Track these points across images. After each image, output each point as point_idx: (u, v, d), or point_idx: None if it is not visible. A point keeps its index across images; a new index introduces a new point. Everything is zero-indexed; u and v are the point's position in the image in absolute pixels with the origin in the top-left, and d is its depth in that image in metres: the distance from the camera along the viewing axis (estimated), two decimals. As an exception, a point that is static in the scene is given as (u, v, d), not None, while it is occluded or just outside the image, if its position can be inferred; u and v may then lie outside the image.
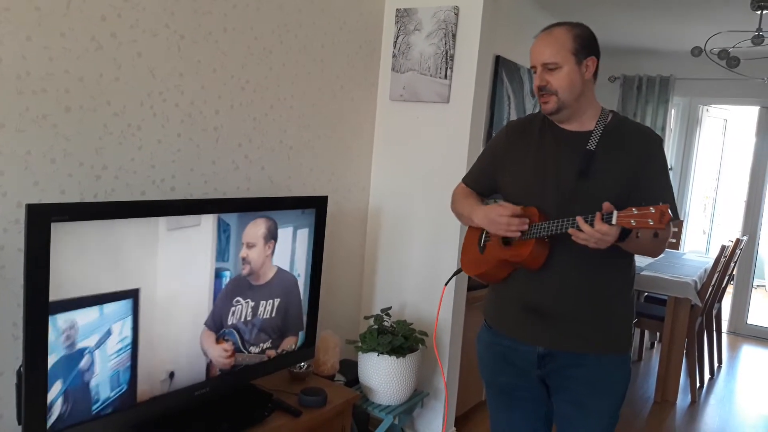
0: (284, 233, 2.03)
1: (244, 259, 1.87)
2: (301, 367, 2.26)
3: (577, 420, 1.65)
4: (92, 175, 1.74)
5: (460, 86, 2.62)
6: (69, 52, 1.64)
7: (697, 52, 4.40)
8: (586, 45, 1.58)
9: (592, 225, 1.42)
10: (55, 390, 1.44)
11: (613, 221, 1.40)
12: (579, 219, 1.45)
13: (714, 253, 5.04)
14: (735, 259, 4.38)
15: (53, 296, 1.42)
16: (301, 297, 2.14)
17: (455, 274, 2.02)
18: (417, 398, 2.56)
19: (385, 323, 2.55)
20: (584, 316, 1.60)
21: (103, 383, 1.55)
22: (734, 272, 4.99)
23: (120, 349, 1.57)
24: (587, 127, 1.62)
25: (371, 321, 2.56)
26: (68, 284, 1.45)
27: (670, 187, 1.61)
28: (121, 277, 1.54)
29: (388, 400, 2.43)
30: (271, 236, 1.96)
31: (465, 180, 1.91)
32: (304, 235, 2.12)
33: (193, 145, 2.02)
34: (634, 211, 1.37)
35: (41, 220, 1.38)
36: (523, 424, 1.76)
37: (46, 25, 1.59)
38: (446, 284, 2.14)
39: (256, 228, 1.90)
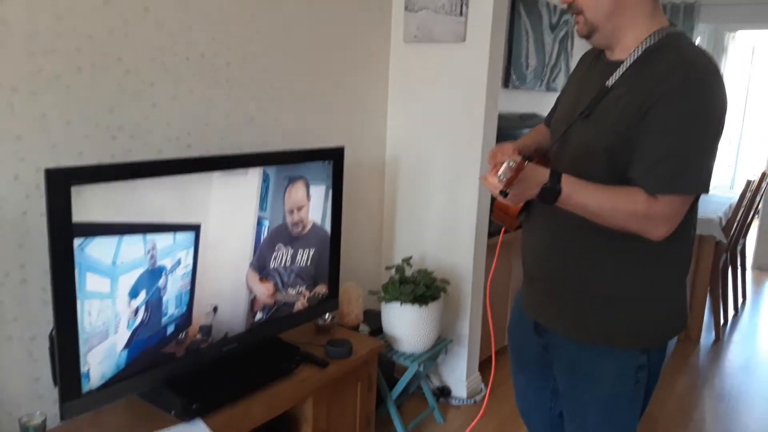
0: (316, 191, 2.10)
1: (296, 221, 2.03)
2: (325, 320, 2.32)
3: (567, 404, 1.50)
4: (108, 136, 1.75)
5: (477, 24, 2.57)
6: (76, 9, 1.63)
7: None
8: None
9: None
10: (140, 298, 1.62)
11: (500, 172, 1.18)
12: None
13: (739, 188, 5.00)
14: (761, 194, 4.36)
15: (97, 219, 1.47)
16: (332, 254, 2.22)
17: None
18: (441, 345, 2.62)
19: (407, 273, 2.59)
20: (561, 290, 1.42)
21: (170, 301, 1.70)
22: (760, 207, 4.97)
23: (184, 274, 1.72)
24: (625, 55, 1.32)
25: (392, 271, 2.60)
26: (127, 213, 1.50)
27: (679, 147, 1.22)
28: (186, 214, 1.69)
29: (412, 348, 2.50)
30: (309, 195, 2.08)
31: (545, 118, 1.72)
32: (323, 189, 2.14)
33: (206, 99, 2.02)
34: (511, 164, 1.18)
35: (61, 185, 1.41)
36: (529, 389, 1.68)
37: (51, -19, 1.57)
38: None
39: (299, 190, 2.03)
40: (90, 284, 1.50)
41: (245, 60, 2.12)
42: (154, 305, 1.66)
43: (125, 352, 1.62)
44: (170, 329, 1.72)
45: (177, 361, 1.77)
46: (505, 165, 1.19)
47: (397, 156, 2.87)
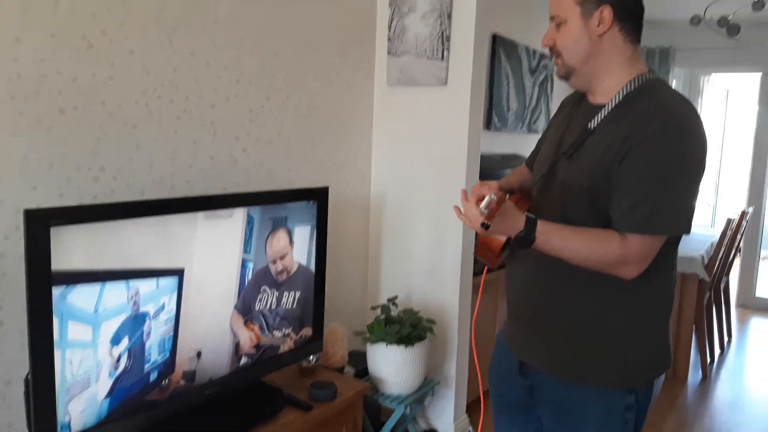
0: (300, 232, 2.09)
1: (279, 269, 2.00)
2: (309, 361, 2.28)
3: None
4: (90, 177, 1.74)
5: (458, 68, 2.61)
6: (60, 52, 1.64)
7: (696, 20, 4.40)
8: None
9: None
10: (123, 345, 1.59)
11: (482, 205, 1.23)
12: (464, 191, 1.31)
13: (720, 226, 5.06)
14: (741, 232, 4.41)
15: (56, 293, 1.44)
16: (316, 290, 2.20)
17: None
18: (427, 387, 2.58)
19: (392, 313, 2.56)
20: (547, 328, 1.41)
21: (153, 347, 1.67)
22: (741, 245, 5.02)
23: (167, 320, 1.69)
24: (607, 99, 1.35)
25: (378, 311, 2.58)
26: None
27: (654, 190, 1.23)
28: (169, 258, 1.67)
29: (399, 390, 2.45)
30: (291, 240, 2.06)
31: (526, 159, 1.74)
32: (308, 230, 2.13)
33: (191, 141, 2.02)
34: (493, 196, 1.23)
35: (40, 225, 1.39)
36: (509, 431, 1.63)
37: (35, 25, 1.58)
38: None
39: (281, 239, 2.01)
40: (72, 333, 1.46)
41: (229, 102, 2.14)
42: (137, 352, 1.62)
43: (107, 401, 1.56)
44: (153, 376, 1.68)
45: (159, 407, 1.72)
46: (487, 198, 1.23)
47: (381, 196, 2.88)
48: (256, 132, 2.25)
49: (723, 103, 6.16)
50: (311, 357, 2.28)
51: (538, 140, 1.72)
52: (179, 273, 1.70)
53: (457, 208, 1.35)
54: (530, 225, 1.29)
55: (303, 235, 2.10)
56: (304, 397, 2.07)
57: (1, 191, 1.55)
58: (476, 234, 1.42)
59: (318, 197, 2.16)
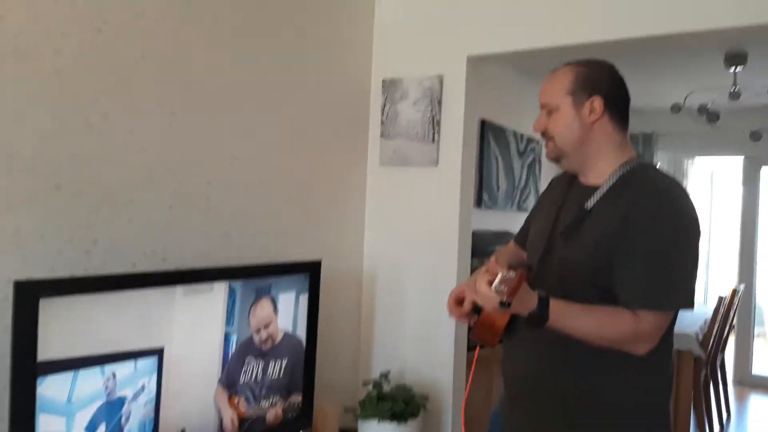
0: (285, 299, 2.02)
1: (263, 338, 1.92)
2: (299, 439, 2.17)
3: None
4: (82, 251, 1.71)
5: (448, 150, 2.64)
6: (60, 131, 1.65)
7: (676, 108, 4.49)
8: (588, 84, 1.34)
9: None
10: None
11: (494, 284, 1.18)
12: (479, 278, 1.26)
13: (711, 303, 4.96)
14: (734, 308, 4.31)
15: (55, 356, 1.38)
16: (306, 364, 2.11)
17: None
18: (420, 466, 2.44)
19: (385, 388, 2.46)
20: (550, 410, 1.35)
21: (133, 430, 1.58)
22: (734, 322, 4.90)
23: (147, 401, 1.60)
24: (600, 180, 1.37)
25: (370, 386, 2.48)
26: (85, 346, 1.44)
27: (657, 268, 1.25)
28: (148, 338, 1.60)
29: (391, 470, 2.31)
30: (275, 309, 1.99)
31: (515, 237, 1.74)
32: (299, 301, 2.08)
33: (185, 217, 2.00)
34: (509, 275, 1.18)
35: (30, 297, 1.36)
36: None
37: (37, 105, 1.60)
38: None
39: (264, 308, 1.94)
40: (43, 425, 1.37)
41: (224, 181, 2.14)
42: None
43: None
44: None
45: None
46: (501, 274, 1.18)
47: (374, 271, 2.84)
48: (250, 209, 2.24)
49: (708, 183, 6.20)
50: (300, 435, 2.16)
51: (526, 218, 1.71)
52: (159, 352, 1.62)
53: (452, 302, 1.37)
54: (543, 303, 1.25)
55: (288, 303, 2.03)
56: (292, 477, 1.95)
57: (-8, 263, 1.53)
58: (473, 314, 1.39)
59: (311, 270, 2.12)
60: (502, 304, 1.18)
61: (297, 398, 2.07)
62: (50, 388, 1.38)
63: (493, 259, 1.47)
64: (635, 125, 5.42)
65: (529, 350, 1.39)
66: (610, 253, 1.28)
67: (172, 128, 1.95)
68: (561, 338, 1.29)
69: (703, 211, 6.12)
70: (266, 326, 1.95)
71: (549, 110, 1.39)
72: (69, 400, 1.42)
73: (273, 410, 1.98)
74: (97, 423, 1.47)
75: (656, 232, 1.25)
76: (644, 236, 1.25)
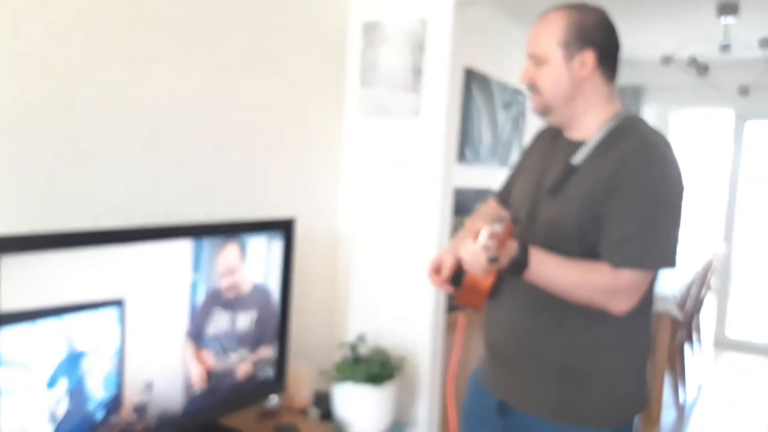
0: (256, 251, 2.02)
1: (225, 282, 1.90)
2: (271, 403, 2.21)
3: None
4: (43, 205, 1.68)
5: (430, 100, 2.62)
6: (18, 77, 1.59)
7: (666, 60, 4.53)
8: (582, 35, 1.32)
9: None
10: (60, 388, 1.50)
11: (480, 240, 1.19)
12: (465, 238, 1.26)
13: (692, 265, 5.13)
14: (712, 270, 4.47)
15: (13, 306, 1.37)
16: (276, 309, 2.11)
17: None
18: (396, 430, 2.52)
19: (360, 351, 2.51)
20: (532, 368, 1.40)
21: (97, 385, 1.59)
22: (711, 283, 5.09)
23: (111, 355, 1.61)
24: (587, 135, 1.38)
25: (345, 349, 2.52)
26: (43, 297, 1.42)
27: (644, 224, 1.28)
28: (105, 289, 1.59)
29: (366, 433, 2.39)
30: (244, 256, 1.98)
31: (495, 193, 1.74)
32: (271, 260, 2.09)
33: (152, 170, 1.97)
34: (496, 228, 1.19)
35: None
36: None
37: (-11, 46, 1.54)
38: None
39: (230, 253, 1.92)
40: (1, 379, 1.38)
41: (195, 132, 2.10)
42: (78, 393, 1.53)
43: None
44: (100, 415, 1.60)
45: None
46: (486, 230, 1.19)
47: (350, 228, 2.85)
48: (222, 163, 2.22)
49: (694, 140, 6.32)
50: (273, 398, 2.20)
51: (508, 174, 1.72)
52: (119, 304, 1.63)
53: (432, 270, 1.37)
54: (523, 250, 1.28)
55: (259, 260, 2.03)
56: (265, 441, 2.00)
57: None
58: (455, 280, 1.41)
59: (284, 228, 2.12)
60: (492, 259, 1.20)
61: (267, 351, 2.09)
62: (8, 340, 1.37)
63: (468, 220, 1.49)
64: (623, 77, 5.46)
65: (513, 310, 1.43)
66: (597, 210, 1.30)
67: (137, 73, 1.89)
68: (546, 298, 1.34)
69: (687, 168, 6.26)
70: (233, 272, 1.94)
71: (537, 61, 1.37)
72: (26, 353, 1.41)
73: (242, 364, 2.00)
74: (57, 377, 1.48)
75: (644, 189, 1.27)
76: (632, 193, 1.28)
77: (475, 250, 1.20)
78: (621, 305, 1.30)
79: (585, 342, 1.36)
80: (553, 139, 1.49)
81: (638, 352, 1.41)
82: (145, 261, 1.68)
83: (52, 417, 1.48)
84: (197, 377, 1.86)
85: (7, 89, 1.58)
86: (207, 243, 1.85)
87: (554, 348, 1.38)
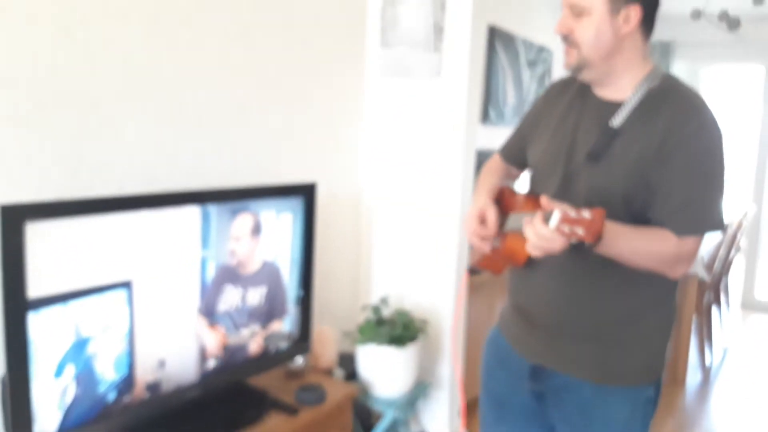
0: (272, 225, 2.02)
1: (232, 252, 1.90)
2: (297, 364, 2.26)
3: None
4: (68, 172, 1.71)
5: (452, 59, 2.59)
6: (37, 43, 1.61)
7: (696, 14, 4.40)
8: None
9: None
10: (68, 375, 1.53)
11: (551, 224, 1.13)
12: (526, 218, 1.21)
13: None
14: (742, 230, 4.42)
15: (34, 294, 1.44)
16: (286, 286, 2.13)
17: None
18: (419, 390, 2.57)
19: (384, 313, 2.55)
20: (575, 333, 1.40)
21: (107, 367, 1.62)
22: (741, 244, 5.03)
23: (118, 338, 1.63)
24: (623, 95, 1.33)
25: (369, 311, 2.56)
26: (51, 280, 1.47)
27: (708, 191, 1.27)
28: (112, 271, 1.59)
29: (389, 393, 2.44)
30: (258, 230, 1.98)
31: (500, 150, 1.67)
32: (293, 222, 2.11)
33: (174, 134, 1.99)
34: (571, 214, 1.12)
35: (15, 221, 1.38)
36: None
37: (10, 16, 1.55)
38: (468, 270, 1.73)
39: (243, 223, 1.92)
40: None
41: (215, 94, 2.11)
42: (86, 378, 1.57)
43: None
44: (111, 396, 1.64)
45: (136, 407, 1.70)
46: (557, 213, 1.13)
47: (373, 192, 2.86)
48: (242, 125, 2.23)
49: (725, 96, 6.17)
50: (298, 359, 2.26)
51: (517, 130, 1.65)
52: (127, 285, 1.64)
53: (480, 218, 1.34)
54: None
55: (278, 227, 2.04)
56: (291, 401, 2.05)
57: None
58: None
59: (305, 193, 2.14)
60: (578, 245, 1.17)
61: (278, 326, 2.11)
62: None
63: (479, 180, 1.48)
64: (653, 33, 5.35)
65: (551, 277, 1.42)
66: (648, 176, 1.28)
67: (155, 36, 1.90)
68: (584, 265, 1.34)
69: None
70: (243, 243, 1.94)
71: (577, 12, 1.30)
72: (33, 341, 1.46)
73: (254, 339, 2.03)
74: (64, 364, 1.51)
75: (697, 154, 1.26)
76: (686, 159, 1.26)
77: (545, 233, 1.16)
78: (681, 270, 1.32)
79: (623, 306, 1.38)
80: (579, 98, 1.43)
81: (668, 313, 1.44)
82: (161, 228, 1.69)
83: (61, 404, 1.53)
84: (211, 351, 1.89)
85: (27, 55, 1.60)
86: (228, 208, 1.87)
87: (594, 313, 1.39)
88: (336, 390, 2.18)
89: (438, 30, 2.58)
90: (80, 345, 1.55)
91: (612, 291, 1.37)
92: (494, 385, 1.61)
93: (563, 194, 1.38)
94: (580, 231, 1.11)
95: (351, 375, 2.52)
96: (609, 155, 1.31)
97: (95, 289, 1.56)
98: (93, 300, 1.56)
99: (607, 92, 1.37)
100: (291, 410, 1.99)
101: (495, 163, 1.67)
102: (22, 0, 1.57)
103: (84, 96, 1.73)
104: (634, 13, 1.28)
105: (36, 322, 1.45)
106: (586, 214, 1.11)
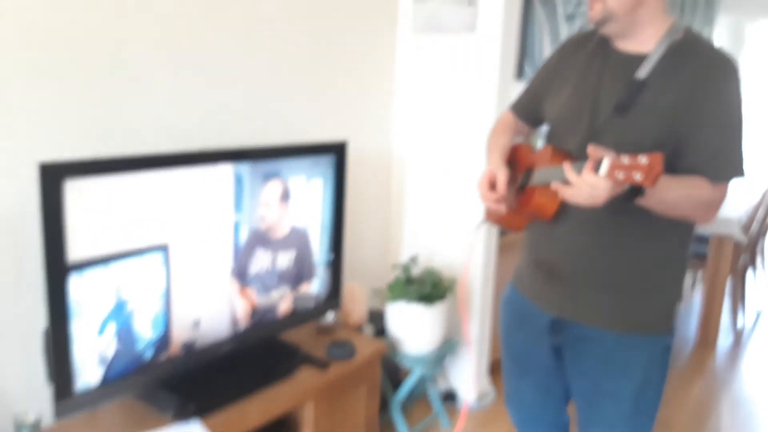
0: (302, 186, 2.04)
1: (262, 217, 1.93)
2: (328, 320, 2.30)
3: (593, 400, 1.50)
4: (104, 129, 1.74)
5: (487, 12, 2.53)
6: (74, 4, 1.62)
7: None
8: None
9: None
10: (109, 332, 1.59)
11: (602, 171, 1.15)
12: (566, 165, 1.24)
13: (762, 185, 4.94)
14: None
15: (75, 256, 1.48)
16: (314, 250, 2.15)
17: (482, 222, 1.91)
18: (447, 347, 2.60)
19: (413, 272, 2.57)
20: (597, 284, 1.43)
21: (145, 326, 1.68)
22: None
23: (155, 299, 1.68)
24: (646, 47, 1.35)
25: (399, 270, 2.58)
26: (90, 242, 1.51)
27: (734, 139, 1.32)
28: (148, 232, 1.63)
29: (418, 350, 2.47)
30: (286, 196, 2.00)
31: (512, 106, 1.69)
32: (324, 185, 2.12)
33: (205, 92, 2.00)
34: (624, 160, 1.13)
35: (54, 179, 1.41)
36: (533, 396, 1.66)
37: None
38: (477, 228, 1.84)
39: (273, 190, 1.95)
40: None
41: (245, 52, 2.10)
42: (125, 336, 1.63)
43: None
44: (148, 354, 1.70)
45: (172, 363, 1.76)
46: (607, 161, 1.14)
47: (404, 151, 2.85)
48: (273, 84, 2.22)
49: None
50: (329, 315, 2.30)
51: (530, 86, 1.65)
52: (164, 248, 1.68)
53: (556, 185, 1.28)
54: None
55: (305, 190, 2.05)
56: (322, 356, 2.10)
57: (16, 144, 1.57)
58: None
59: (336, 152, 2.14)
60: (634, 191, 1.19)
61: (306, 287, 2.15)
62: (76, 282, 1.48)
63: (491, 138, 1.51)
64: (697, -16, 5.13)
65: (576, 229, 1.43)
66: (680, 127, 1.30)
67: (187, -8, 1.89)
68: (609, 217, 1.36)
69: (763, 83, 5.90)
70: (272, 209, 1.96)
71: None
72: (76, 300, 1.51)
73: (283, 301, 2.06)
74: (106, 322, 1.58)
75: (725, 104, 1.30)
76: (717, 109, 1.30)
77: (595, 182, 1.17)
78: (712, 216, 1.37)
79: (645, 256, 1.41)
80: (599, 52, 1.43)
81: (683, 264, 1.49)
82: (196, 190, 1.72)
83: (102, 359, 1.59)
84: (243, 311, 1.94)
85: (63, 17, 1.60)
86: (260, 171, 1.88)
87: (619, 263, 1.41)
88: (365, 346, 2.22)
89: (473, -18, 2.51)
90: (120, 305, 1.61)
91: (635, 241, 1.40)
92: (514, 344, 1.66)
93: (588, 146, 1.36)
94: (638, 176, 1.11)
95: (380, 332, 2.56)
96: (637, 107, 1.33)
97: (134, 251, 1.60)
98: (132, 262, 1.60)
99: (629, 45, 1.38)
100: (322, 364, 2.04)
101: (506, 121, 1.68)
102: (55, -44, 1.57)
103: (117, 56, 1.74)
104: None
105: (78, 282, 1.50)
106: (643, 159, 1.11)
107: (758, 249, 4.29)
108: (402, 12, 2.73)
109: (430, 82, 2.72)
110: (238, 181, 1.82)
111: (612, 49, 1.41)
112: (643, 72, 1.33)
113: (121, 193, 1.55)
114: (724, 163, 1.32)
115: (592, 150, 1.20)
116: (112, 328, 1.60)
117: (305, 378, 1.98)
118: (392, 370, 2.61)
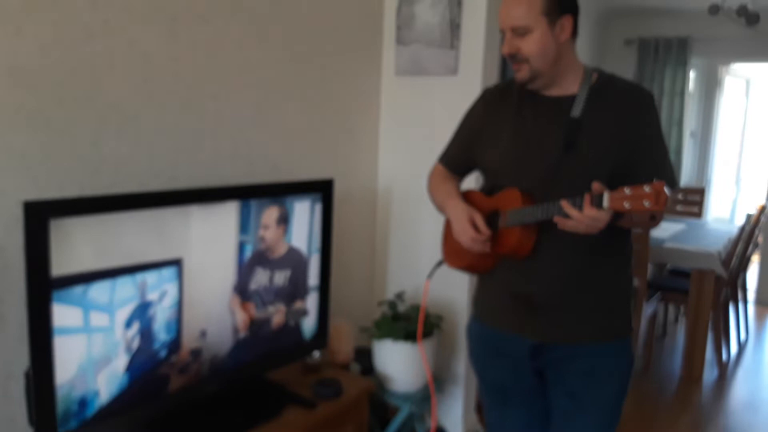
0: (296, 212, 2.10)
1: (261, 238, 2.02)
2: (313, 358, 2.28)
3: (572, 414, 1.58)
4: (90, 169, 1.74)
5: (468, 57, 2.59)
6: (60, 42, 1.64)
7: (714, 9, 4.36)
8: (560, 2, 1.44)
9: (580, 209, 1.32)
10: (134, 328, 1.71)
11: (605, 204, 1.28)
12: (564, 204, 1.34)
13: (741, 220, 5.02)
14: (760, 226, 4.37)
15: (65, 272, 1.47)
16: (309, 275, 2.21)
17: (437, 266, 1.88)
18: (435, 384, 2.58)
19: (399, 308, 2.56)
20: (577, 305, 1.53)
21: (161, 329, 1.78)
22: (759, 240, 4.98)
23: (171, 305, 1.79)
24: (570, 90, 1.50)
25: (385, 307, 2.57)
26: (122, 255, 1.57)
27: (667, 153, 1.53)
28: (169, 249, 1.76)
29: (405, 388, 2.45)
30: (283, 220, 2.07)
31: (441, 159, 1.80)
32: (311, 221, 2.13)
33: (193, 132, 2.02)
34: (627, 191, 1.24)
35: (39, 217, 1.41)
36: (517, 422, 1.71)
37: (36, 15, 1.58)
38: (429, 278, 1.92)
39: (270, 214, 2.02)
40: (93, 320, 1.59)
41: (232, 93, 2.13)
42: (147, 333, 1.73)
43: (126, 375, 1.69)
44: (163, 353, 1.77)
45: (159, 401, 1.74)
46: (607, 194, 1.28)
47: (389, 188, 2.87)
48: (261, 123, 2.25)
49: (744, 93, 6.09)
50: (315, 354, 2.28)
51: (457, 139, 1.77)
52: (178, 263, 1.76)
53: (559, 219, 1.39)
54: None
55: (300, 220, 2.12)
56: (309, 395, 2.07)
57: (2, 183, 1.56)
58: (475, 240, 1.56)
59: (322, 189, 2.15)
60: (618, 215, 1.34)
61: (300, 304, 2.19)
62: (95, 292, 1.58)
63: (450, 202, 1.66)
64: (670, 28, 5.30)
65: (557, 258, 1.51)
66: (625, 153, 1.46)
67: (174, 37, 1.92)
68: (583, 242, 1.44)
69: (736, 123, 6.05)
70: (269, 230, 2.04)
71: (520, 32, 1.44)
72: (110, 301, 1.63)
73: (278, 314, 2.11)
74: (132, 320, 1.70)
75: (656, 122, 1.50)
76: (652, 128, 1.49)
77: (596, 215, 1.30)
78: (658, 224, 1.56)
79: (611, 272, 1.57)
80: (527, 99, 1.54)
81: (630, 272, 1.67)
82: (198, 222, 1.80)
83: (128, 350, 1.68)
84: (242, 325, 1.99)
85: (50, 56, 1.63)
86: (254, 206, 1.93)
87: (594, 284, 1.54)
88: (353, 384, 2.19)
89: (455, 27, 2.58)
90: (144, 307, 1.71)
91: (604, 262, 1.54)
92: (493, 374, 1.70)
93: (550, 184, 1.47)
94: (647, 204, 1.22)
95: (367, 370, 2.53)
96: (582, 143, 1.46)
97: (155, 264, 1.72)
98: (153, 273, 1.72)
99: (555, 91, 1.52)
100: (309, 404, 2.01)
101: (440, 172, 1.80)
102: (46, 4, 1.60)
103: (105, 96, 1.76)
104: (567, 22, 1.46)
105: (105, 287, 1.61)
106: (647, 188, 1.22)
107: (739, 283, 4.33)
108: (386, 54, 2.79)
109: (414, 122, 2.77)
110: (245, 210, 1.90)
111: (539, 96, 1.54)
112: (576, 111, 1.47)
113: (105, 231, 1.57)
114: (666, 173, 1.50)
115: (596, 186, 1.32)
116: (137, 324, 1.70)
117: (292, 418, 1.95)
118: (380, 408, 2.58)
